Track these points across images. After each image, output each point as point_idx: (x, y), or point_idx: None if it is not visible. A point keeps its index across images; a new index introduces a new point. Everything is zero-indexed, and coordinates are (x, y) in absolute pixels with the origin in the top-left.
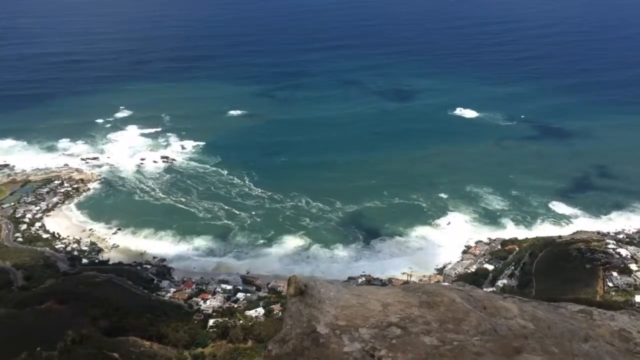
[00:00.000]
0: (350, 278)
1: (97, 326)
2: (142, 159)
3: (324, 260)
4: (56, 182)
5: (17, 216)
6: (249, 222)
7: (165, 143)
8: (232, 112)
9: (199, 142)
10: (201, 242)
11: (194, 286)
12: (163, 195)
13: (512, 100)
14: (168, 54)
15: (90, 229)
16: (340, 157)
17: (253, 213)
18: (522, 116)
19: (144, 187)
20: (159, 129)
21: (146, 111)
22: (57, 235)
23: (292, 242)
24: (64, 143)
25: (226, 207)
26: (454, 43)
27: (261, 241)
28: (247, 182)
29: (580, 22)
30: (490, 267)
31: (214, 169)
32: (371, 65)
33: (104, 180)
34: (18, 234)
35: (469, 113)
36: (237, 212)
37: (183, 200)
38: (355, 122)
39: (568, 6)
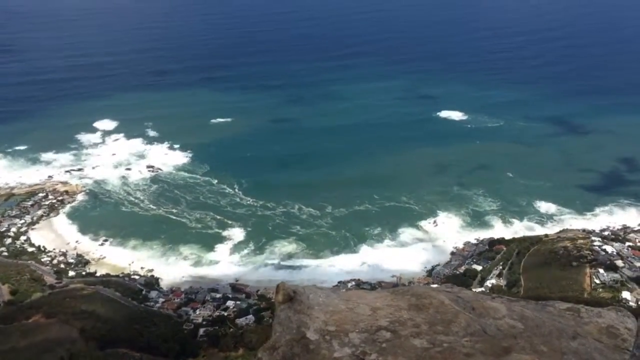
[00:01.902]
0: (340, 282)
1: (86, 339)
2: (128, 169)
3: (314, 265)
4: (40, 194)
5: (1, 230)
6: (238, 230)
7: (150, 152)
8: (218, 120)
9: (185, 151)
10: (189, 251)
11: (183, 295)
12: (150, 206)
13: (499, 103)
14: (151, 65)
15: (77, 241)
16: (331, 162)
17: (243, 221)
18: (509, 118)
19: (130, 197)
20: (144, 139)
21: (131, 121)
22: (42, 249)
23: (282, 249)
24: (47, 155)
25: (215, 216)
26: (438, 47)
27: (251, 249)
28: (236, 190)
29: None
30: (479, 268)
31: (202, 177)
32: (358, 72)
33: (89, 191)
34: (3, 248)
35: (456, 115)
36: (227, 221)
37: (171, 210)
38: (344, 127)
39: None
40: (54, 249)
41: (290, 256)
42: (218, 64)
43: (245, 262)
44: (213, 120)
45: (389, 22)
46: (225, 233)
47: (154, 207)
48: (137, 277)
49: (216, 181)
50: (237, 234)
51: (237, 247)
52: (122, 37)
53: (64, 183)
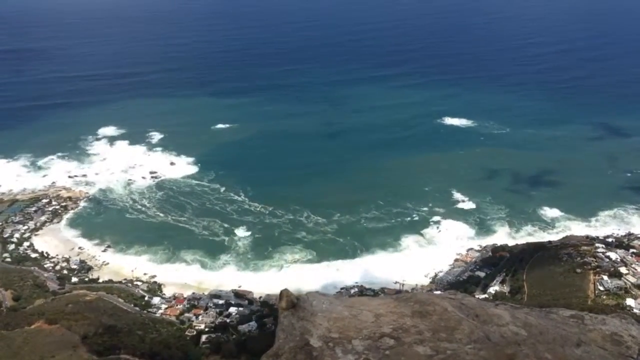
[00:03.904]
0: (343, 288)
1: (88, 345)
2: (132, 176)
3: (318, 272)
4: (44, 200)
5: (4, 236)
6: (243, 237)
7: (155, 159)
8: (223, 126)
9: (190, 157)
10: (192, 257)
11: (185, 302)
12: (157, 213)
13: (505, 109)
14: (155, 70)
15: (80, 247)
16: (337, 168)
17: (249, 228)
18: (515, 125)
19: (134, 203)
20: (149, 145)
21: (135, 127)
22: (45, 255)
23: (287, 255)
24: (51, 161)
25: (222, 223)
26: (441, 53)
27: (256, 255)
28: (243, 197)
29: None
30: (482, 274)
31: (207, 184)
32: (358, 78)
33: (92, 197)
34: (6, 254)
35: (461, 122)
36: (233, 228)
37: (177, 217)
38: (350, 134)
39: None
40: (57, 255)
41: (295, 262)
42: (223, 71)
43: (250, 268)
44: (218, 127)
45: (399, 34)
46: (231, 240)
47: (161, 214)
48: (140, 283)
49: (223, 188)
50: (243, 240)
51: (242, 254)
52: (129, 47)
53: (68, 189)
